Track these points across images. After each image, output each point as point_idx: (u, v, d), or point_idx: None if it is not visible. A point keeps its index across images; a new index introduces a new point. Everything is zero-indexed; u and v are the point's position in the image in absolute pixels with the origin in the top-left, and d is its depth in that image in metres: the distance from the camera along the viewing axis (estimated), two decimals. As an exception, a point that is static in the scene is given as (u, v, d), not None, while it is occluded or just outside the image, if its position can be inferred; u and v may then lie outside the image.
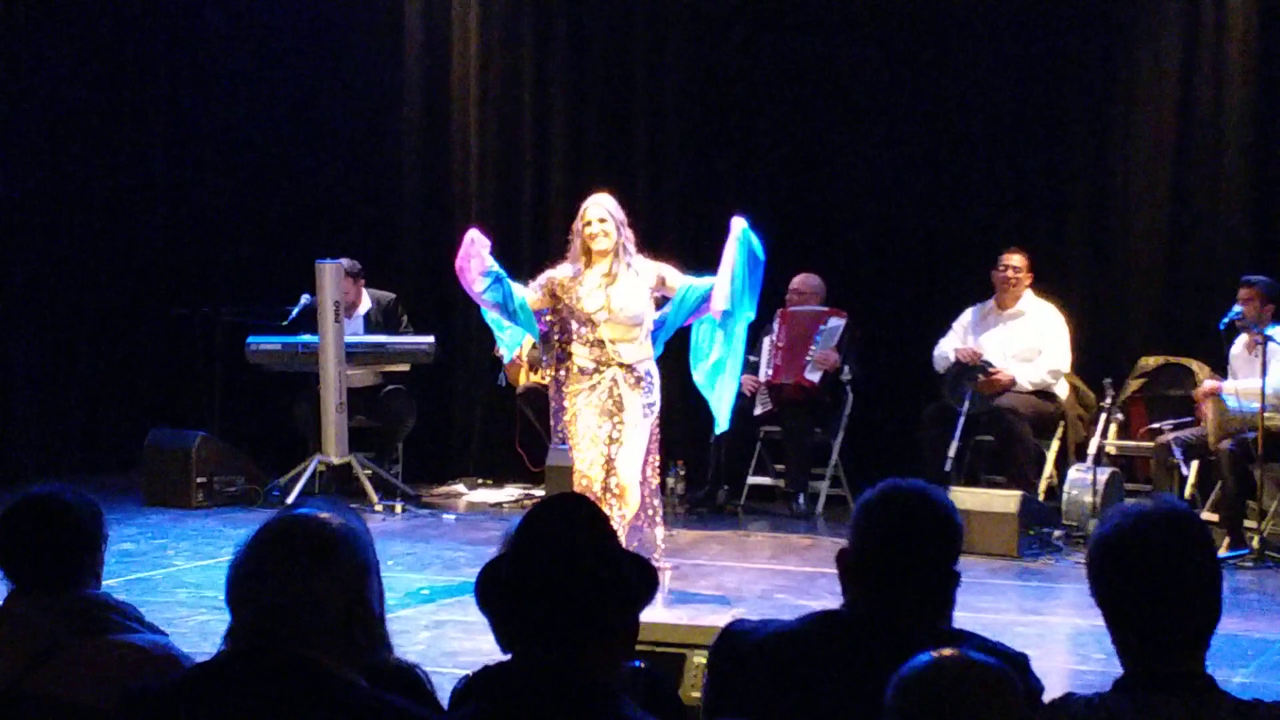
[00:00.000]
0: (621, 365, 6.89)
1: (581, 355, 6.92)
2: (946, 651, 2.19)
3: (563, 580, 2.27)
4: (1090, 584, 2.44)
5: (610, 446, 6.87)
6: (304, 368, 9.29)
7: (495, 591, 2.34)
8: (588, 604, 2.27)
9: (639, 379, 6.91)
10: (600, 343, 6.88)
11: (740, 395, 9.26)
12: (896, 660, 2.28)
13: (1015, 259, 8.90)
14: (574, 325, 6.91)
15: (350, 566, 2.42)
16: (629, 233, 6.96)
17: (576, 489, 6.76)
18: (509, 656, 2.90)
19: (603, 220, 6.86)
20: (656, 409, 6.99)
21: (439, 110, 10.50)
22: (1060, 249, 9.46)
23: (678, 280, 7.00)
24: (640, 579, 2.36)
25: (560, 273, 6.96)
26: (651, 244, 10.17)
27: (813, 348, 9.22)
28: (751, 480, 9.48)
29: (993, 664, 2.18)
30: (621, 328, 6.88)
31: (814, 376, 9.22)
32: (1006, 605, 6.81)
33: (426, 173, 10.56)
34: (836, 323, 9.27)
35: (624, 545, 2.48)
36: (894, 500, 2.73)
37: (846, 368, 9.30)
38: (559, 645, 2.26)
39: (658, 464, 7.10)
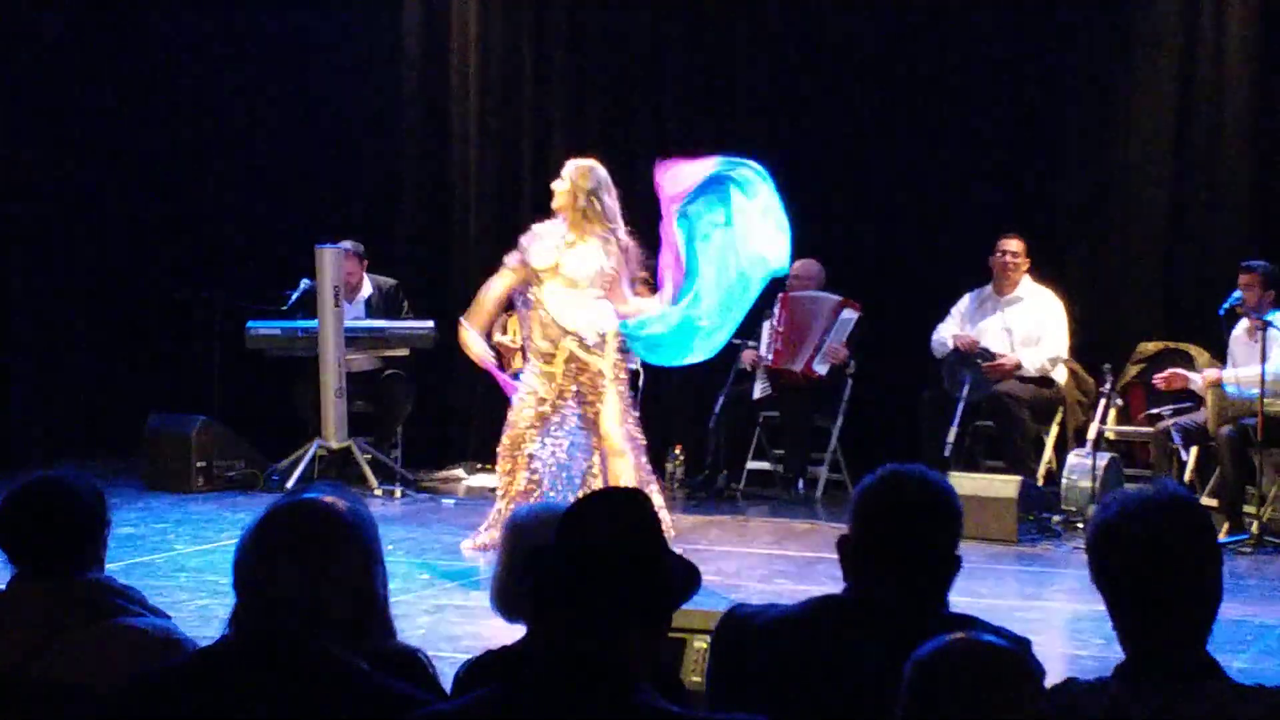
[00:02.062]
0: (570, 332, 6.91)
1: (538, 333, 7.00)
2: (961, 634, 2.19)
3: (607, 573, 2.27)
4: (1091, 569, 2.44)
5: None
6: (303, 352, 9.29)
7: (540, 578, 2.33)
8: (629, 598, 2.27)
9: (592, 345, 6.95)
10: (544, 308, 6.95)
11: (741, 377, 9.32)
12: (898, 644, 2.28)
13: (1013, 244, 8.90)
14: (529, 292, 7.00)
15: (357, 552, 2.43)
16: (603, 204, 6.95)
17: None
18: (516, 640, 2.92)
19: (560, 179, 6.98)
20: (622, 367, 7.02)
21: (438, 95, 10.49)
22: (1059, 234, 9.46)
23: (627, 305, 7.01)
24: (683, 577, 2.35)
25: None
26: (652, 236, 10.23)
27: (825, 338, 9.20)
28: (750, 465, 9.49)
29: (1009, 647, 2.19)
30: (566, 290, 6.92)
31: (822, 369, 9.22)
32: (1006, 590, 6.82)
33: (426, 158, 10.55)
34: (850, 315, 9.25)
35: None
36: (894, 485, 2.73)
37: (852, 361, 9.31)
38: (594, 636, 2.25)
39: (637, 418, 7.14)
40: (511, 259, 7.11)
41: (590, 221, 6.92)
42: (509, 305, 8.29)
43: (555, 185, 7.04)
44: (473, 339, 7.12)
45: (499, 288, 7.13)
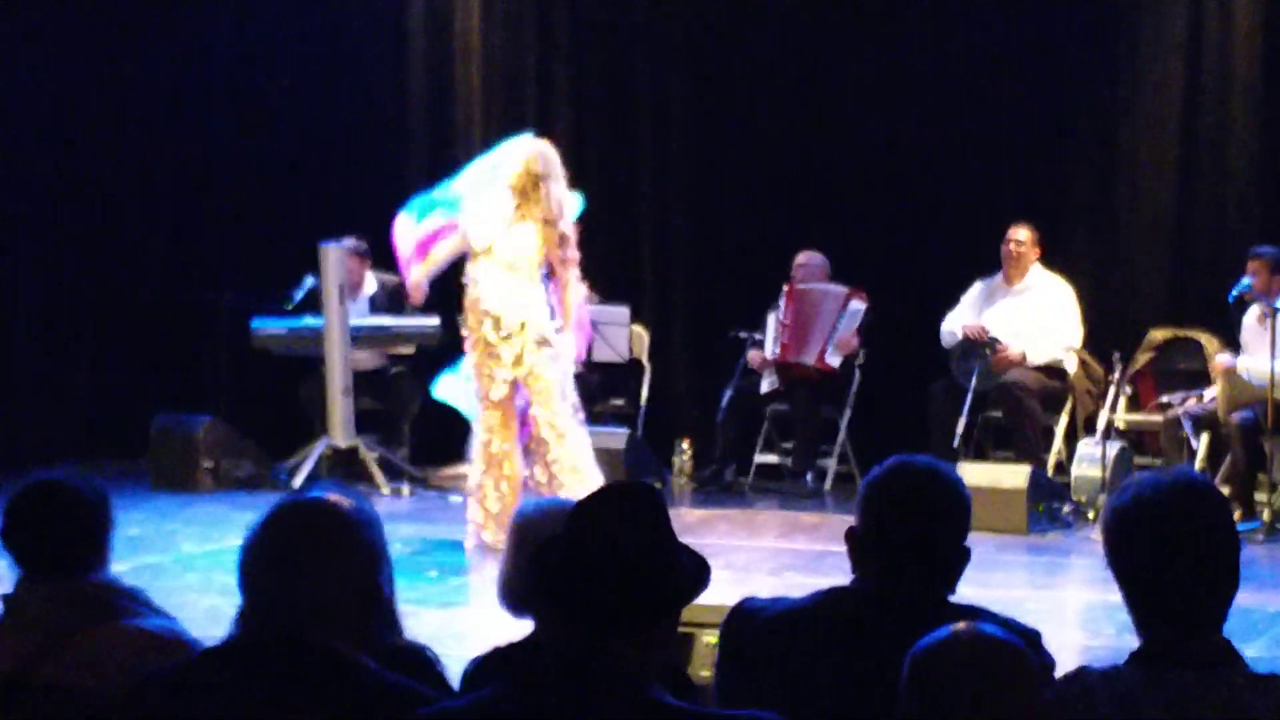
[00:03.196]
0: (490, 315, 7.06)
1: (469, 315, 7.21)
2: (962, 626, 2.19)
3: (617, 569, 2.24)
4: (1107, 555, 2.42)
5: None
6: (309, 351, 9.28)
7: (548, 574, 2.31)
8: (641, 594, 2.24)
9: (508, 334, 7.11)
10: (474, 282, 7.14)
11: (748, 370, 9.31)
12: (906, 636, 2.27)
13: (1021, 233, 8.87)
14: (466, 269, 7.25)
15: (362, 549, 2.43)
16: (549, 191, 7.07)
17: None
18: (523, 637, 2.90)
19: (515, 160, 7.15)
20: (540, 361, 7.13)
21: (443, 91, 10.47)
22: (1068, 221, 9.43)
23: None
24: (694, 572, 2.33)
25: None
26: (657, 226, 10.24)
27: (835, 330, 9.18)
28: (759, 458, 9.47)
29: (1008, 639, 2.18)
30: (500, 271, 7.06)
31: (834, 361, 9.19)
32: (1016, 581, 6.81)
33: (431, 154, 10.53)
34: (858, 306, 9.22)
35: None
36: (901, 476, 2.72)
37: (863, 352, 9.30)
38: (605, 632, 2.23)
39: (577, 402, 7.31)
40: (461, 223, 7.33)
41: (533, 205, 7.04)
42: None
43: (509, 162, 7.17)
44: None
45: (450, 247, 7.41)
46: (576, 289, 7.29)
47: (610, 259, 9.35)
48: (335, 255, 9.05)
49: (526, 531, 3.08)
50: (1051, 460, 8.76)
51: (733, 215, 10.02)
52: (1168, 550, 2.34)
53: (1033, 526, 7.86)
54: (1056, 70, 9.43)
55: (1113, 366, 8.38)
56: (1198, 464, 8.27)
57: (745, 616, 2.78)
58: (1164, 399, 8.61)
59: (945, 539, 2.69)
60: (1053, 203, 9.43)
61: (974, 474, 7.69)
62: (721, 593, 2.90)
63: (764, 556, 7.38)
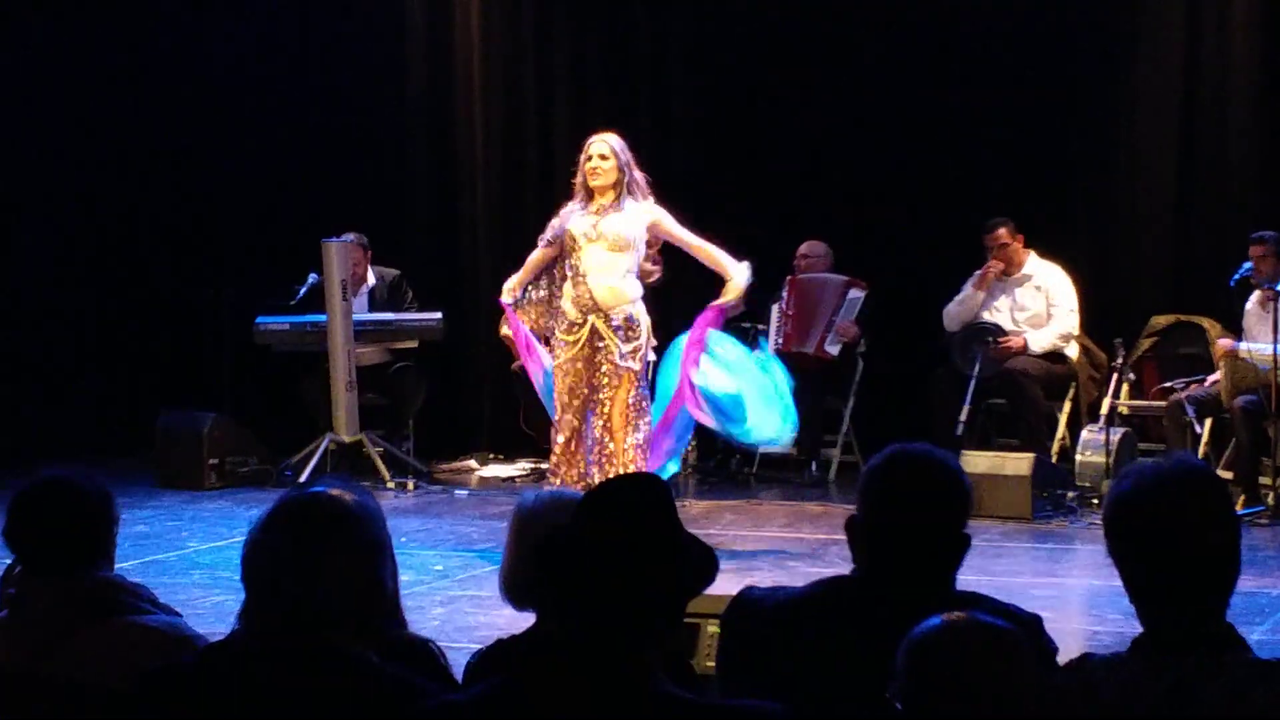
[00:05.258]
0: (598, 312, 6.92)
1: (568, 299, 7.01)
2: (956, 615, 2.19)
3: (625, 561, 2.24)
4: (1108, 543, 2.41)
5: (589, 412, 6.97)
6: (313, 347, 9.28)
7: (555, 566, 2.31)
8: (648, 587, 2.24)
9: (616, 327, 6.97)
10: (581, 277, 6.93)
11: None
12: (905, 624, 2.27)
13: (996, 237, 8.83)
14: (564, 261, 7.04)
15: (364, 543, 2.43)
16: (638, 175, 7.02)
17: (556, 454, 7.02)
18: (527, 629, 2.90)
19: (604, 157, 6.94)
20: (642, 356, 7.02)
21: (443, 84, 10.47)
22: (1068, 207, 9.43)
23: (674, 234, 7.14)
24: (700, 564, 2.33)
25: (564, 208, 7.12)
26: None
27: (835, 319, 9.17)
28: (763, 449, 9.46)
29: (1002, 626, 2.18)
30: (603, 254, 6.91)
31: (833, 350, 9.19)
32: (1021, 568, 6.80)
33: (432, 148, 10.53)
34: (857, 295, 9.22)
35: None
36: (900, 464, 2.71)
37: (863, 340, 9.29)
38: (612, 625, 2.23)
39: (649, 416, 7.05)
40: (545, 237, 7.15)
41: (630, 193, 6.99)
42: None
43: (597, 164, 6.96)
44: (507, 320, 7.25)
45: (537, 256, 7.20)
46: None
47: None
48: (337, 251, 9.05)
49: (528, 525, 3.08)
50: (1055, 447, 8.76)
51: (735, 205, 10.01)
52: (1168, 537, 2.34)
53: (1037, 513, 7.86)
54: (1057, 56, 9.42)
55: (1115, 352, 8.37)
56: (1201, 449, 8.27)
57: (746, 606, 2.78)
58: (1167, 384, 8.60)
59: (943, 526, 2.68)
60: (1054, 189, 9.43)
61: (978, 461, 7.70)
62: (725, 583, 2.90)
63: (769, 546, 7.39)
